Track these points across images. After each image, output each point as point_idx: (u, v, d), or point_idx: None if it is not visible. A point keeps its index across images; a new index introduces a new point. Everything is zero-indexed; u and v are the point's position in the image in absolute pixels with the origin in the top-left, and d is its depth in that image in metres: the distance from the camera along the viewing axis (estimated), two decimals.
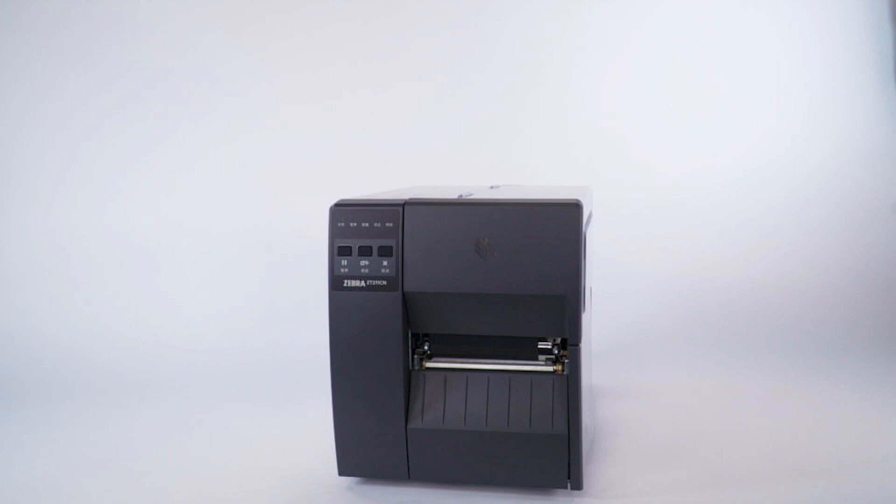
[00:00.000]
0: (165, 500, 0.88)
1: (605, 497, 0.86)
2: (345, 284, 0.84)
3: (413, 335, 0.87)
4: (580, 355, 0.82)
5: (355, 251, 0.84)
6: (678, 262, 1.65)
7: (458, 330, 0.86)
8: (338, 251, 0.84)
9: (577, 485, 0.84)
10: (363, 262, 0.84)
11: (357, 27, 1.69)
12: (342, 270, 0.84)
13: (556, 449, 0.83)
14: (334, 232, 0.85)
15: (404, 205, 0.84)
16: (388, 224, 0.84)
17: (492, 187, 1.08)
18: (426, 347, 0.88)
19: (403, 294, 0.84)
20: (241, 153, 1.64)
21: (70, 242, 1.56)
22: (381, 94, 1.69)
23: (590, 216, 0.94)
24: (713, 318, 1.56)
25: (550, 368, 0.86)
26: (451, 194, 0.88)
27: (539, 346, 0.86)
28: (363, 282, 0.84)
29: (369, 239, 0.84)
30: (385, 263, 0.83)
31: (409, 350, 0.86)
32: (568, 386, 0.84)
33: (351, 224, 0.84)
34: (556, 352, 0.86)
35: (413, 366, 0.87)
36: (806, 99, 1.77)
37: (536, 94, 1.72)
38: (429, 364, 0.88)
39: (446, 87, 1.70)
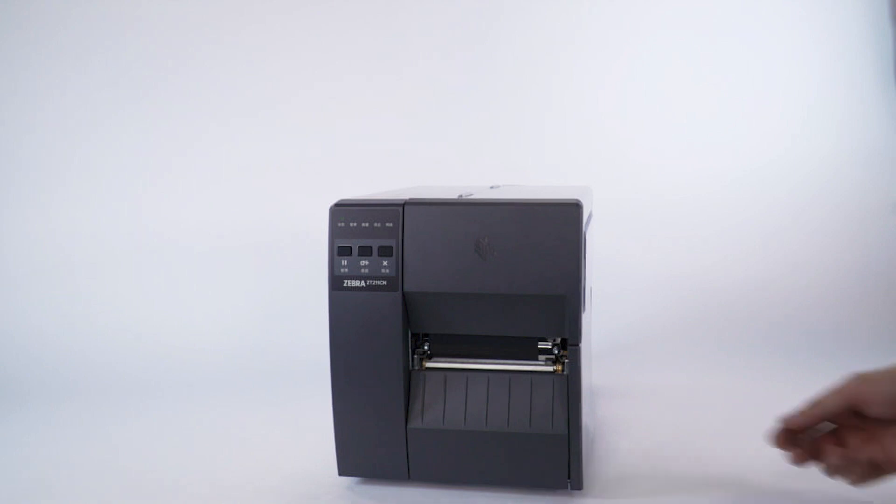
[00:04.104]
0: (165, 500, 0.88)
1: (605, 497, 0.86)
2: (345, 284, 0.84)
3: (413, 335, 0.87)
4: (580, 355, 0.82)
5: (355, 251, 0.84)
6: (678, 262, 1.65)
7: (458, 330, 0.86)
8: (338, 251, 0.84)
9: (578, 485, 0.84)
10: (363, 262, 0.84)
11: (357, 27, 1.69)
12: (342, 270, 0.84)
13: (556, 449, 0.83)
14: (334, 232, 0.85)
15: (404, 205, 0.84)
16: (388, 224, 0.83)
17: (492, 187, 1.08)
18: (426, 347, 0.88)
19: (403, 294, 0.84)
20: (241, 153, 1.64)
21: (70, 242, 1.56)
22: (381, 95, 1.69)
23: (590, 216, 0.94)
24: (713, 318, 1.56)
25: (550, 368, 0.86)
26: (451, 194, 0.88)
27: (539, 346, 0.86)
28: (363, 282, 0.84)
29: (369, 239, 0.84)
30: (385, 263, 0.83)
31: (409, 350, 0.86)
32: (568, 386, 0.84)
33: (351, 224, 0.84)
34: (556, 352, 0.86)
35: (413, 366, 0.87)
36: (806, 99, 1.77)
37: (537, 94, 1.72)
38: (429, 364, 0.88)
39: (447, 86, 1.71)
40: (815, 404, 0.81)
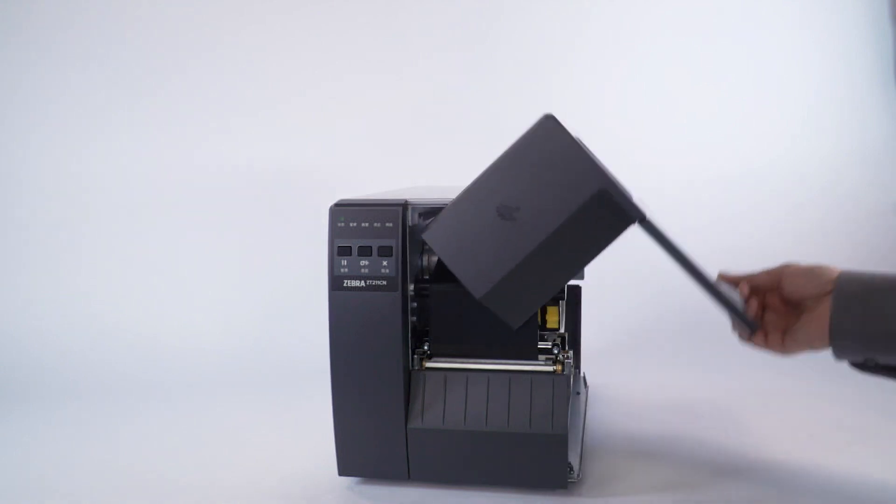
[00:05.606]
0: (165, 499, 0.88)
1: (605, 497, 0.86)
2: (345, 284, 0.84)
3: (413, 335, 0.87)
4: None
5: (355, 251, 0.84)
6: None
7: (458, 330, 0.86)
8: (338, 251, 0.85)
9: (578, 485, 0.84)
10: (363, 262, 0.84)
11: (357, 27, 1.69)
12: (342, 270, 0.84)
13: (556, 449, 0.83)
14: (334, 232, 0.85)
15: (404, 205, 0.84)
16: (388, 224, 0.84)
17: None
18: (426, 347, 0.88)
19: (403, 294, 0.84)
20: (241, 153, 1.64)
21: (70, 242, 1.56)
22: (382, 95, 1.69)
23: None
24: (713, 318, 1.55)
25: (550, 368, 0.86)
26: (451, 194, 0.88)
27: (539, 346, 0.86)
28: (363, 282, 0.84)
29: (369, 239, 0.84)
30: (385, 263, 0.83)
31: (409, 350, 0.86)
32: (568, 386, 0.84)
33: (351, 224, 0.84)
34: (556, 352, 0.86)
35: (413, 366, 0.87)
36: (806, 99, 1.77)
37: (536, 94, 1.72)
38: (429, 364, 0.88)
39: (446, 86, 1.70)
40: (749, 275, 0.93)
